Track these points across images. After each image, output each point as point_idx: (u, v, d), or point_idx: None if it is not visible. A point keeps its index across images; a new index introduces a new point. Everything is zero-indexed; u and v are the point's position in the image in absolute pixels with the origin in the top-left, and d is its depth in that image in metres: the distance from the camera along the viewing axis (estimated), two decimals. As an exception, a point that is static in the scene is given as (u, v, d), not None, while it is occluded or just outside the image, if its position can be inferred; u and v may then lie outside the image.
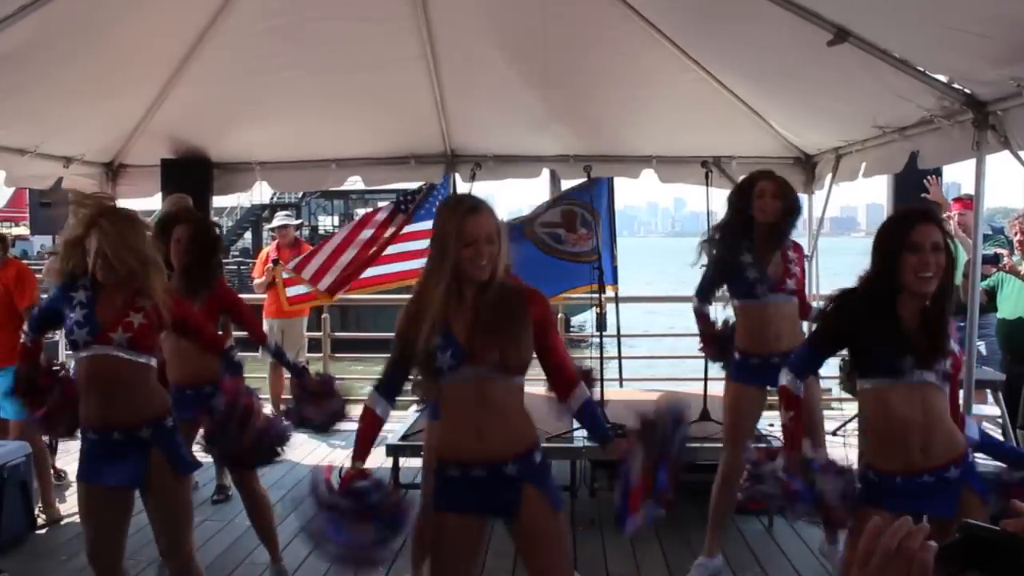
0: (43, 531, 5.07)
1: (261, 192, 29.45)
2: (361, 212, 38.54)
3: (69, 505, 5.28)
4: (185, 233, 4.24)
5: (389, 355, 2.81)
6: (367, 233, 6.78)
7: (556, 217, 6.76)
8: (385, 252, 7.06)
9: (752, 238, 4.24)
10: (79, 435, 3.32)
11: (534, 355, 2.76)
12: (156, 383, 3.30)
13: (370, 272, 6.92)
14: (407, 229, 7.10)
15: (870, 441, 2.95)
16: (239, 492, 4.37)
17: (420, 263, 7.37)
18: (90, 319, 3.13)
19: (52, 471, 5.67)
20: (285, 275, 6.87)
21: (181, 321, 3.35)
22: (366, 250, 6.77)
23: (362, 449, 2.81)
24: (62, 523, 5.13)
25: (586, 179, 6.58)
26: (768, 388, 4.39)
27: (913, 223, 2.76)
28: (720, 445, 4.49)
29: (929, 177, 5.65)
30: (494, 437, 2.64)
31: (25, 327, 3.56)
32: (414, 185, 7.21)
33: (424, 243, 7.70)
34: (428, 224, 7.37)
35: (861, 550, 1.06)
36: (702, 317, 4.50)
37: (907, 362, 2.74)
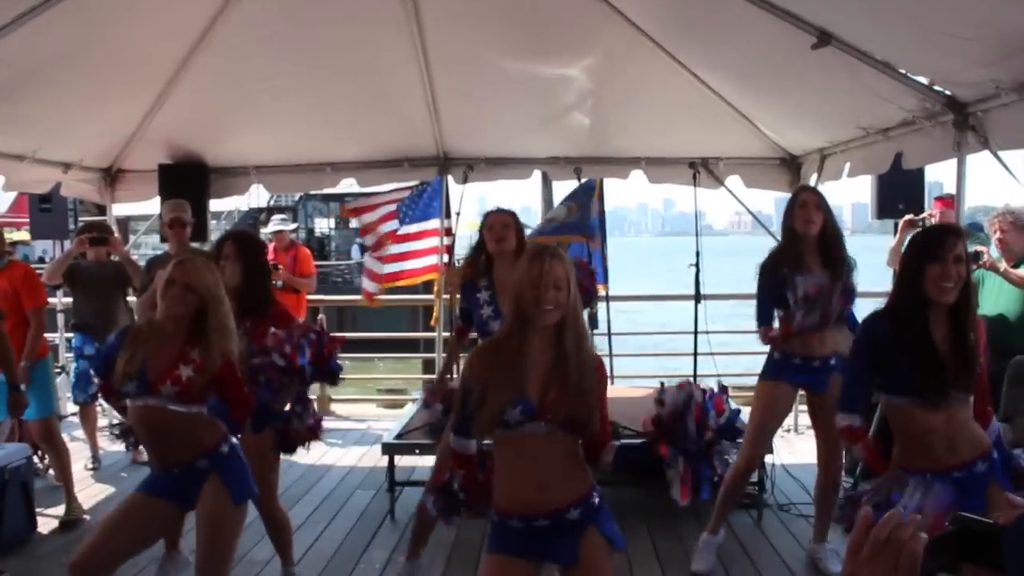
0: (44, 532, 5.12)
1: (258, 195, 29.46)
2: (356, 214, 38.74)
3: (60, 509, 5.33)
4: (232, 249, 4.00)
5: (460, 404, 2.75)
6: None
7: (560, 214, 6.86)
8: (388, 252, 7.23)
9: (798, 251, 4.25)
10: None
11: None
12: (206, 420, 3.24)
13: (392, 268, 7.16)
14: (405, 230, 7.24)
15: (897, 446, 3.02)
16: (260, 515, 4.10)
17: (419, 263, 7.58)
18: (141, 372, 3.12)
19: (51, 473, 5.73)
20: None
21: (219, 382, 3.23)
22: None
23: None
24: (63, 524, 5.19)
25: (582, 181, 6.68)
26: (802, 390, 4.53)
27: (936, 235, 2.90)
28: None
29: (933, 212, 5.74)
30: (556, 488, 2.63)
31: (93, 372, 3.52)
32: (408, 187, 7.36)
33: (421, 243, 7.83)
34: (426, 224, 7.55)
35: (852, 540, 1.08)
36: (771, 340, 4.39)
37: (939, 385, 2.83)
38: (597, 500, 2.71)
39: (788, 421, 6.58)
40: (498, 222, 4.17)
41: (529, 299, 2.58)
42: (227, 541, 3.24)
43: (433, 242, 7.51)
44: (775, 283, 4.22)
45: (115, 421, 7.17)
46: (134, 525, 3.18)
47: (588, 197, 6.67)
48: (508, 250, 4.11)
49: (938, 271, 2.82)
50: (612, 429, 5.20)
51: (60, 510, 5.34)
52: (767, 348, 4.46)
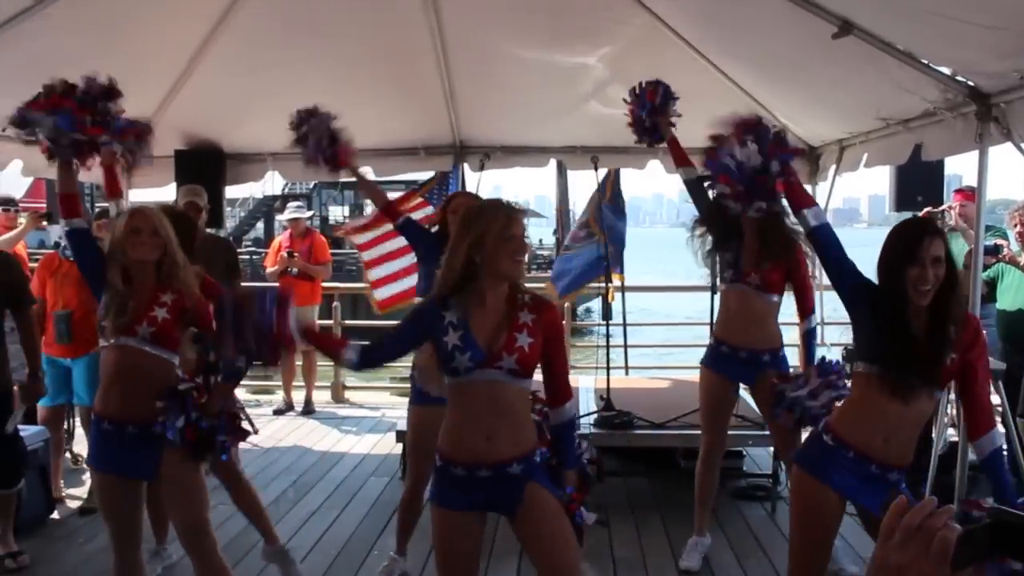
0: (61, 514, 5.18)
1: (273, 182, 29.54)
2: (371, 203, 38.81)
3: (82, 489, 5.38)
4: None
5: (396, 325, 2.90)
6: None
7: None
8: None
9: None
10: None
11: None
12: (174, 378, 3.32)
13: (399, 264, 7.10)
14: (423, 213, 7.21)
15: (842, 409, 3.03)
16: (217, 477, 4.08)
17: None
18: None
19: (70, 455, 5.79)
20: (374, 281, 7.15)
21: (195, 317, 3.36)
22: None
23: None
24: (75, 506, 5.24)
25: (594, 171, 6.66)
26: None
27: (916, 236, 2.80)
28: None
29: (952, 205, 5.68)
30: (504, 440, 2.70)
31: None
32: (424, 175, 7.32)
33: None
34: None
35: (885, 526, 1.08)
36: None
37: (905, 367, 2.78)
38: (539, 459, 2.79)
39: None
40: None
41: (504, 254, 2.65)
42: (199, 497, 3.33)
43: None
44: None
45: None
46: (116, 507, 3.30)
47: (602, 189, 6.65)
48: None
49: (916, 273, 2.75)
50: (628, 418, 5.25)
51: (77, 491, 5.41)
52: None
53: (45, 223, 6.68)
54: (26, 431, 5.04)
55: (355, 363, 2.82)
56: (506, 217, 2.69)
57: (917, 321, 2.82)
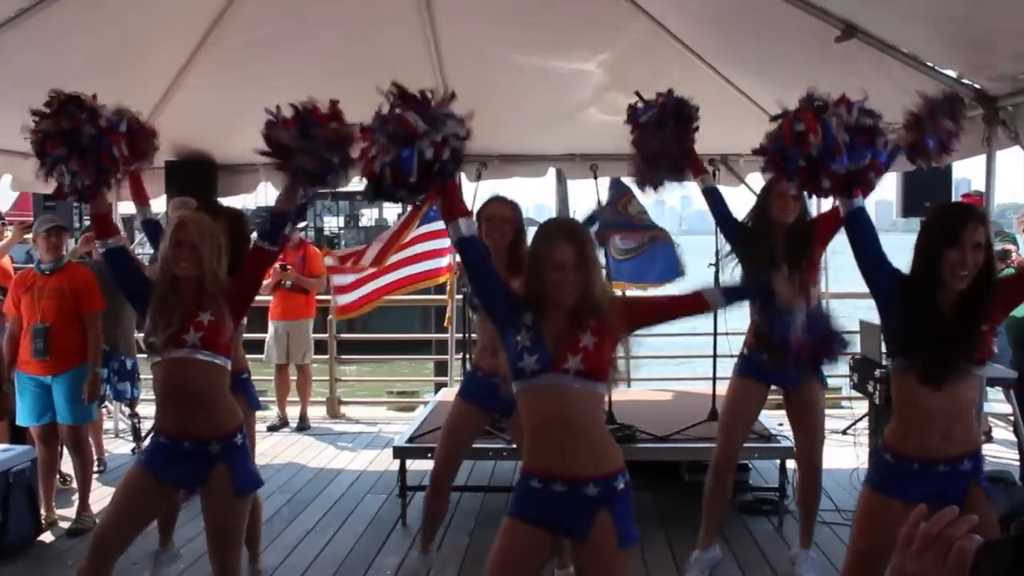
0: (49, 536, 5.06)
1: (266, 194, 29.45)
2: (367, 213, 38.69)
3: (71, 510, 5.27)
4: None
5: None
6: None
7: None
8: (403, 255, 7.09)
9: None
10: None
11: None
12: (231, 398, 3.28)
13: (392, 277, 7.00)
14: (422, 230, 7.11)
15: (894, 423, 2.93)
16: None
17: (434, 264, 7.45)
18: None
19: (58, 475, 5.66)
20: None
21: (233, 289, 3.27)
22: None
23: None
24: (66, 528, 5.12)
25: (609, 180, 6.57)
26: (772, 388, 4.38)
27: (959, 219, 2.74)
28: None
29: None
30: (580, 455, 2.61)
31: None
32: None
33: (436, 243, 7.72)
34: (440, 225, 7.42)
35: (904, 534, 1.07)
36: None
37: (943, 353, 2.72)
38: (621, 486, 2.67)
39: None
40: (496, 214, 3.97)
41: (551, 281, 2.64)
42: (235, 525, 3.30)
43: (447, 242, 7.39)
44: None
45: (122, 425, 7.15)
46: (137, 506, 3.23)
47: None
48: (501, 246, 3.90)
49: (955, 257, 2.69)
50: (630, 432, 5.14)
51: (65, 511, 5.29)
52: None
53: (31, 235, 6.58)
54: (12, 451, 4.94)
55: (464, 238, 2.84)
56: (555, 249, 2.66)
57: (949, 305, 2.76)
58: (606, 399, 3.11)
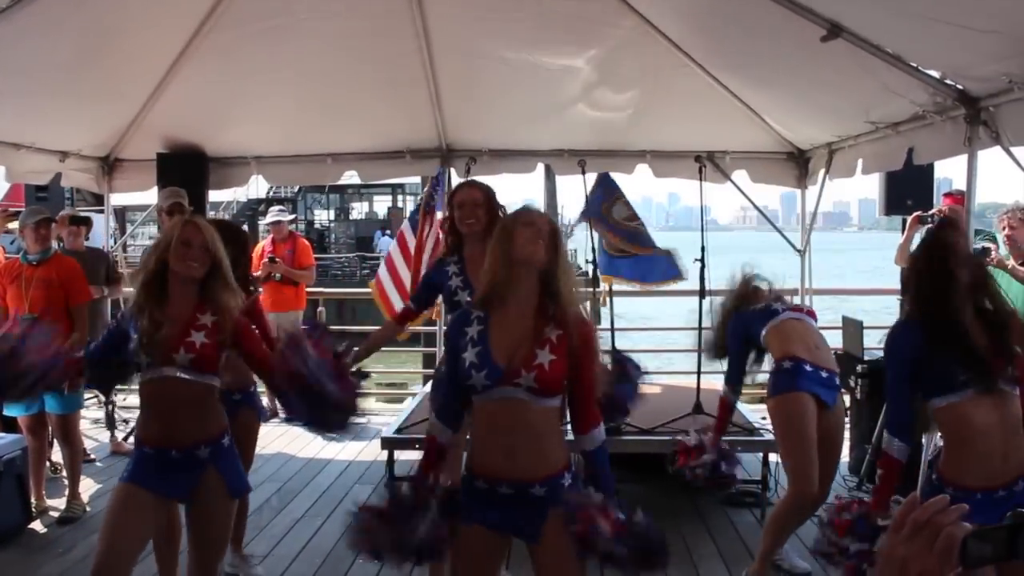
0: (39, 524, 5.09)
1: (257, 186, 29.45)
2: (357, 207, 38.63)
3: (61, 500, 5.29)
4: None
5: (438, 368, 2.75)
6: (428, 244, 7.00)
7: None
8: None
9: None
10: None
11: None
12: (217, 402, 3.16)
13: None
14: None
15: (950, 457, 2.88)
16: None
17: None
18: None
19: (48, 464, 5.69)
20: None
21: (236, 342, 3.11)
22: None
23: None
24: (57, 516, 5.14)
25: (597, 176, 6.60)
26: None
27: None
28: None
29: (942, 208, 5.64)
30: (524, 458, 2.56)
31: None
32: (410, 180, 7.28)
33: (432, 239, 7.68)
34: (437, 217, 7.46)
35: (896, 518, 1.10)
36: None
37: (987, 373, 2.75)
38: (568, 482, 2.61)
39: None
40: (468, 199, 3.81)
41: (521, 238, 2.57)
42: (223, 534, 3.21)
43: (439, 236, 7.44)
44: None
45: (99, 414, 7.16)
46: (132, 523, 3.04)
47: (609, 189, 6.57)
48: (477, 231, 3.77)
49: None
50: (615, 425, 5.19)
51: (55, 501, 5.31)
52: None
53: (13, 224, 6.59)
54: (3, 439, 4.97)
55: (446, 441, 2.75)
56: (527, 211, 2.69)
57: (969, 323, 2.81)
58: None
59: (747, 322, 4.26)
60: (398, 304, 6.79)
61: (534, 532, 2.59)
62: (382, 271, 7.08)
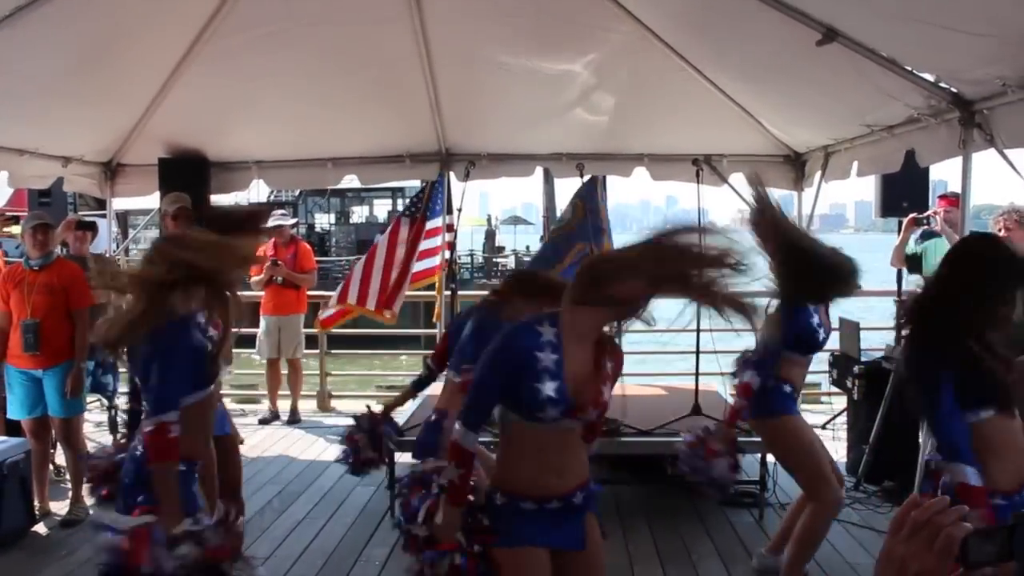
0: (42, 527, 5.11)
1: (258, 191, 29.35)
2: (357, 210, 38.62)
3: (64, 503, 5.32)
4: None
5: (481, 383, 2.57)
6: (400, 249, 7.07)
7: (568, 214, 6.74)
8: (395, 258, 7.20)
9: None
10: None
11: None
12: None
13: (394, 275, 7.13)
14: (428, 226, 7.26)
15: (989, 467, 2.74)
16: None
17: (433, 262, 7.56)
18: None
19: (51, 467, 5.72)
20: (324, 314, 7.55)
21: None
22: (407, 261, 7.14)
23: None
24: (60, 519, 5.17)
25: (585, 179, 6.63)
26: None
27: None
28: None
29: (937, 210, 5.66)
30: (571, 473, 2.60)
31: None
32: (410, 183, 7.34)
33: (434, 241, 7.78)
34: (437, 222, 7.53)
35: (895, 519, 1.10)
36: None
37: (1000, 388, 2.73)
38: (592, 485, 2.70)
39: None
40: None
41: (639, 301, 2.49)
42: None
43: (439, 240, 7.49)
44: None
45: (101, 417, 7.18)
46: None
47: (593, 198, 6.59)
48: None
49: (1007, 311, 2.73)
50: (614, 426, 5.22)
51: (57, 504, 5.34)
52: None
53: (16, 229, 6.63)
54: (6, 443, 5.00)
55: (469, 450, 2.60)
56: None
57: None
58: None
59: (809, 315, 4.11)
60: (352, 296, 7.16)
61: (581, 538, 2.66)
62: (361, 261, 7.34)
